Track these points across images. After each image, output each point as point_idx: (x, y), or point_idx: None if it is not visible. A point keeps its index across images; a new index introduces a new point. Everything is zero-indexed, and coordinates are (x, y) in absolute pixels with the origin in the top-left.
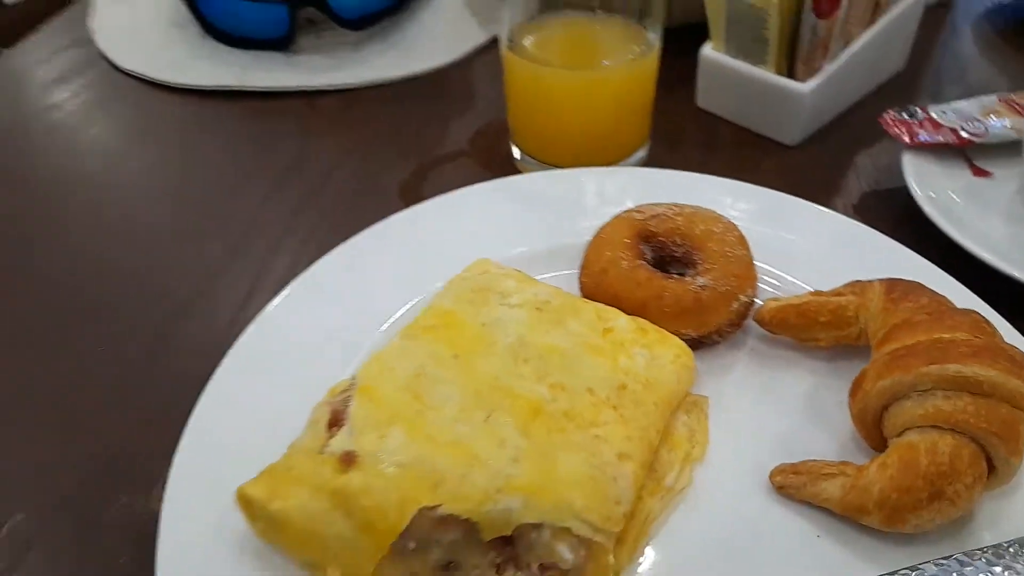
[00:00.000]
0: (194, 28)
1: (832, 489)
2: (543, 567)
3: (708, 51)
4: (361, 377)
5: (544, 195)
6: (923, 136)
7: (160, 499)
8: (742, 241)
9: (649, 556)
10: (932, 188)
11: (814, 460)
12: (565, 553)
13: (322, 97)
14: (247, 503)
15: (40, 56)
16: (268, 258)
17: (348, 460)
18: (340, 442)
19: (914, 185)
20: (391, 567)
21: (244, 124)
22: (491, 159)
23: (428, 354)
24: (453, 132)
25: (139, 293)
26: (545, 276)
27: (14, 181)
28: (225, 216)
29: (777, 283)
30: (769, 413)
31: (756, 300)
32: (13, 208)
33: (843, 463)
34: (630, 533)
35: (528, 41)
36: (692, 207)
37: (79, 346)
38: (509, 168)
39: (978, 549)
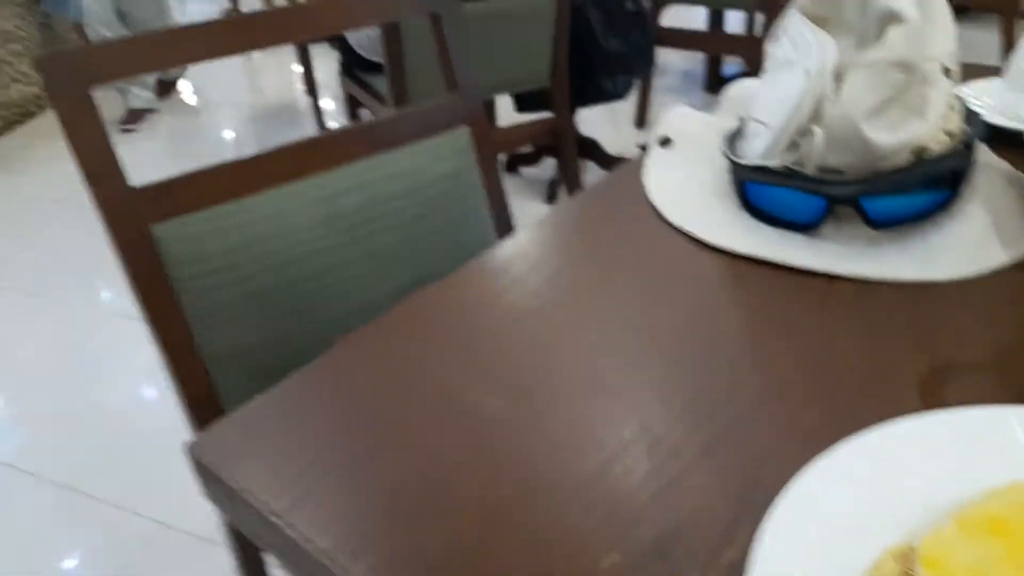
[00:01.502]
0: (732, 201)
1: None
2: None
3: None
4: (925, 548)
5: None
6: None
7: None
8: None
9: None
10: None
11: None
12: None
13: (838, 281)
14: None
15: (603, 206)
16: (793, 415)
17: None
18: None
19: None
20: None
21: (768, 289)
22: (1018, 382)
23: (985, 547)
24: (971, 344)
25: (680, 413)
26: None
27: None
28: (750, 370)
29: None
30: None
31: None
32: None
33: None
34: None
35: None
36: None
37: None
38: None
39: None
